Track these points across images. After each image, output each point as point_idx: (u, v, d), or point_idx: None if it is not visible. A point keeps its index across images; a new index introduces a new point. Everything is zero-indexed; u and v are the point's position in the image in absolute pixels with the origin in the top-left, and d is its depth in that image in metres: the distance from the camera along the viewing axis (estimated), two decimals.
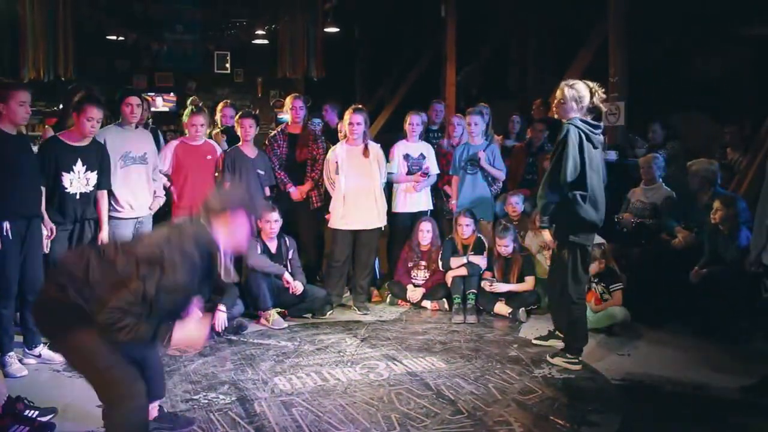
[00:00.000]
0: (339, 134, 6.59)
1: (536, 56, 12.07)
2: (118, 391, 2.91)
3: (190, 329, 2.97)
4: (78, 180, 4.84)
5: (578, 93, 4.44)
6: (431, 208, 6.60)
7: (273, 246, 5.79)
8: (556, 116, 4.62)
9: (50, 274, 3.77)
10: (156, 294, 2.82)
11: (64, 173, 4.78)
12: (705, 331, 5.17)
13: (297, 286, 5.68)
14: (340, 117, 6.71)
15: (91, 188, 4.92)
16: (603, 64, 8.14)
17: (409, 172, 6.40)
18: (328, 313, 5.86)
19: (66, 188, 4.79)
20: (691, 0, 8.67)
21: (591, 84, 4.52)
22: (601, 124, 4.55)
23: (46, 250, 4.72)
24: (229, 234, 3.10)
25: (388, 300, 6.27)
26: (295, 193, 6.21)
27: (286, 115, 6.44)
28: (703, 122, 8.42)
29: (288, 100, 6.40)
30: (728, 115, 7.30)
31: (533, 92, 11.25)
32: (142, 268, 2.83)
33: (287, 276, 5.68)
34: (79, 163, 4.83)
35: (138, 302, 2.80)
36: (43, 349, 4.61)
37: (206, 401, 4.03)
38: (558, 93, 4.51)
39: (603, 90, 4.56)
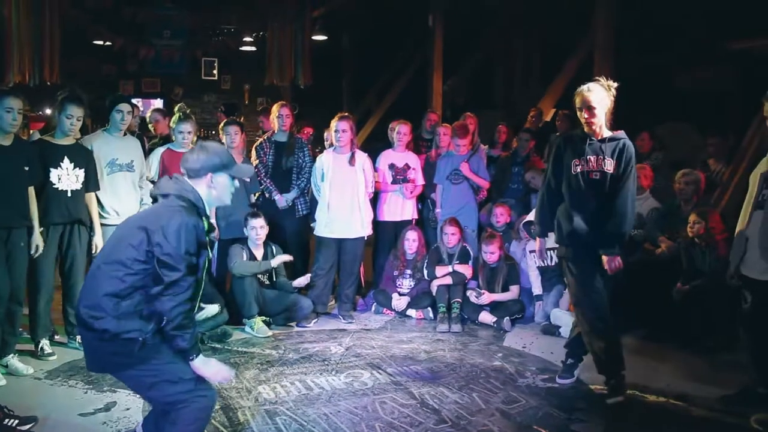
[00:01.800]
0: (325, 142, 6.60)
1: (522, 66, 12.16)
2: None
3: (213, 364, 3.02)
4: (67, 176, 4.82)
5: (600, 94, 4.11)
6: (415, 216, 6.62)
7: (259, 254, 5.78)
8: (587, 129, 4.17)
9: None
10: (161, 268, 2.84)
11: (51, 169, 4.76)
12: (686, 341, 5.20)
13: (279, 259, 5.72)
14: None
15: (81, 185, 4.90)
16: (588, 75, 8.18)
17: (394, 182, 6.41)
18: (313, 321, 5.85)
19: (54, 184, 4.77)
20: (676, 14, 8.77)
21: (602, 81, 4.17)
22: None
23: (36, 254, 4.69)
24: (211, 194, 3.12)
25: (373, 308, 6.27)
26: (281, 201, 6.20)
27: (273, 123, 6.43)
28: (688, 133, 8.50)
29: (275, 108, 6.40)
30: (712, 127, 7.37)
31: (519, 102, 11.34)
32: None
33: (275, 262, 5.69)
34: (66, 160, 4.82)
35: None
36: (12, 359, 4.56)
37: None
38: (579, 101, 4.15)
39: (615, 83, 4.18)
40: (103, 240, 5.06)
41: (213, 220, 5.86)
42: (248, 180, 6.03)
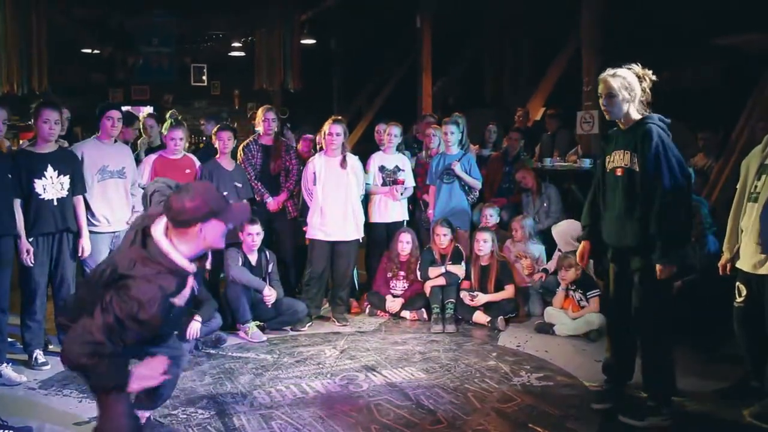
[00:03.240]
0: (317, 146, 6.60)
1: (512, 65, 12.20)
2: None
3: (149, 366, 2.86)
4: (52, 185, 4.78)
5: (626, 80, 3.81)
6: (407, 218, 6.62)
7: (253, 259, 5.77)
8: (607, 117, 3.93)
9: None
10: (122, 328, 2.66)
11: (35, 180, 4.72)
12: (679, 336, 5.21)
13: (273, 298, 5.68)
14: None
15: (67, 193, 4.86)
16: (578, 72, 8.23)
17: (384, 184, 6.41)
18: (307, 325, 5.85)
19: (40, 195, 4.73)
20: (662, 11, 8.81)
21: (635, 68, 3.85)
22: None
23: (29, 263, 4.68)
24: (200, 243, 2.83)
25: (367, 311, 6.27)
26: (272, 203, 6.20)
27: (259, 127, 6.44)
28: (678, 130, 8.52)
29: (260, 112, 6.41)
30: (699, 123, 7.41)
31: (509, 101, 11.37)
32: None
33: (267, 290, 5.66)
34: (50, 168, 4.77)
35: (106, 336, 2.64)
36: (5, 368, 4.54)
37: (185, 416, 4.00)
38: (601, 88, 3.86)
39: (652, 72, 3.86)
40: (93, 247, 5.05)
41: None
42: (240, 185, 6.04)
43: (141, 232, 2.84)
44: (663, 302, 3.86)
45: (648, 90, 3.85)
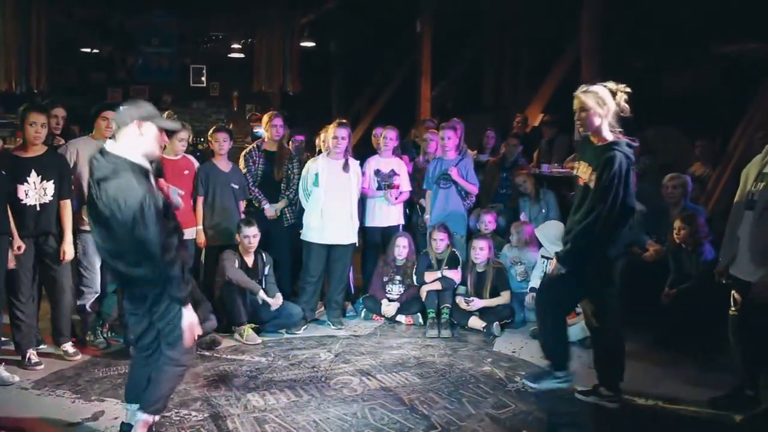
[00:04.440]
0: (317, 148, 6.59)
1: (511, 71, 12.20)
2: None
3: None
4: (34, 190, 4.75)
5: (598, 96, 3.92)
6: (402, 222, 6.62)
7: (250, 261, 5.76)
8: (580, 132, 4.12)
9: None
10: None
11: (18, 185, 4.70)
12: (675, 344, 5.22)
13: (274, 303, 5.67)
14: None
15: (51, 198, 4.82)
16: (576, 78, 8.24)
17: (379, 188, 6.40)
18: (303, 328, 5.83)
19: (22, 200, 4.71)
20: (663, 17, 8.82)
21: (609, 84, 3.97)
22: (636, 142, 4.13)
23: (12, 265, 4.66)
24: (141, 143, 3.26)
25: (362, 315, 6.26)
26: (270, 210, 6.19)
27: (261, 130, 6.40)
28: (675, 137, 8.54)
29: (266, 118, 6.35)
30: (699, 130, 7.42)
31: (508, 107, 11.37)
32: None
33: (262, 294, 5.65)
34: (33, 173, 4.74)
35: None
36: None
37: (178, 418, 3.99)
38: (575, 103, 3.99)
39: (625, 86, 3.97)
40: (88, 247, 5.03)
41: (200, 227, 5.85)
42: (237, 187, 6.03)
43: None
44: (570, 293, 4.23)
45: (623, 104, 3.94)
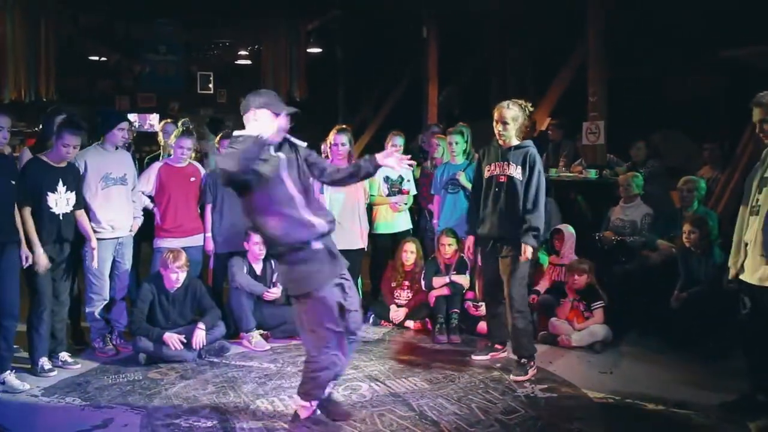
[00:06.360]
0: (322, 154, 6.59)
1: (517, 76, 12.18)
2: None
3: None
4: (61, 200, 4.84)
5: (514, 111, 4.80)
6: (411, 227, 6.61)
7: (258, 268, 5.77)
8: (499, 138, 4.91)
9: None
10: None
11: (49, 193, 4.77)
12: (686, 348, 5.20)
13: (274, 295, 5.69)
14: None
15: (71, 208, 4.91)
16: (582, 84, 8.23)
17: (389, 194, 6.40)
18: None
19: (51, 208, 4.79)
20: (668, 23, 8.81)
21: (521, 102, 4.88)
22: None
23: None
24: (257, 127, 3.65)
25: (371, 320, 6.25)
26: None
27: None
28: (682, 141, 8.52)
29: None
30: (705, 134, 7.40)
31: None
32: None
33: (265, 289, 5.67)
34: (61, 183, 4.83)
35: None
36: (8, 376, 4.54)
37: (187, 425, 3.99)
38: (497, 115, 4.84)
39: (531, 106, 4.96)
40: (99, 254, 5.07)
41: (209, 234, 5.86)
42: None
43: None
44: (523, 278, 4.86)
45: (527, 119, 4.90)
